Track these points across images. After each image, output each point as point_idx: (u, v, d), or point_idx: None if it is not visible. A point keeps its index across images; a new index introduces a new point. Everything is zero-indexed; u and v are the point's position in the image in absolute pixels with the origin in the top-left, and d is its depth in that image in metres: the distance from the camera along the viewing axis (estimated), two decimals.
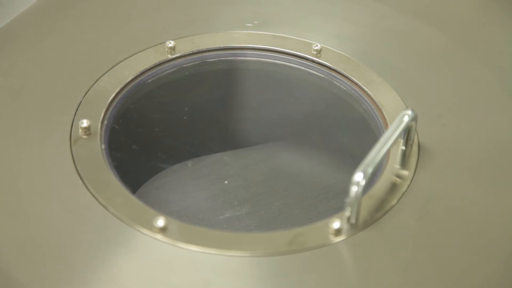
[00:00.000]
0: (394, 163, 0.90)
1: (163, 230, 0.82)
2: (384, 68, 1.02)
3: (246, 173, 1.08)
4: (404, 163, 0.90)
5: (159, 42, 1.04)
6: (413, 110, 0.88)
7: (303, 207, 1.06)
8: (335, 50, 1.05)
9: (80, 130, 0.92)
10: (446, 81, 1.02)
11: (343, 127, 1.09)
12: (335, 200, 1.09)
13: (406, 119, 0.88)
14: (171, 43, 1.03)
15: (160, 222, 0.82)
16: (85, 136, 0.92)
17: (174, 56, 1.03)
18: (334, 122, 1.09)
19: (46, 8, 1.11)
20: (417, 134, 0.92)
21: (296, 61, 1.05)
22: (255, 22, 1.09)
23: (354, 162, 0.84)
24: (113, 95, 0.97)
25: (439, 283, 0.80)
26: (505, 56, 1.06)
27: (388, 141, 0.85)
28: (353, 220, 0.83)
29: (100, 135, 0.92)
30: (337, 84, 1.03)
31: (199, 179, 1.06)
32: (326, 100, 1.06)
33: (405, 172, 0.90)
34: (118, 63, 1.01)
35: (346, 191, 0.83)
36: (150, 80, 1.02)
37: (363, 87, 1.00)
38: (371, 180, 0.86)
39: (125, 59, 1.02)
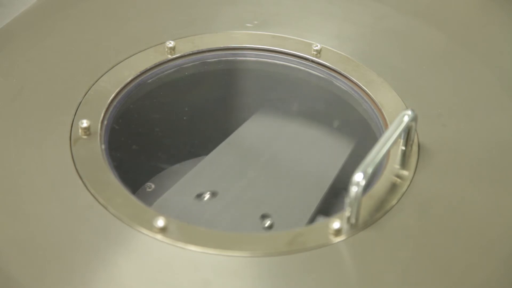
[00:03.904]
0: (394, 163, 0.90)
1: (163, 230, 0.82)
2: (384, 68, 1.02)
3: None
4: (404, 163, 0.90)
5: (159, 42, 1.04)
6: (413, 110, 0.88)
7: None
8: (335, 50, 1.05)
9: (80, 130, 0.92)
10: (446, 81, 1.02)
11: (343, 127, 1.09)
12: (335, 200, 1.09)
13: (406, 119, 0.88)
14: (171, 43, 1.03)
15: (160, 222, 0.82)
16: (85, 136, 0.92)
17: (174, 56, 1.04)
18: (334, 122, 1.09)
19: (46, 8, 1.11)
20: (417, 134, 0.92)
21: (296, 61, 1.06)
22: (255, 22, 1.09)
23: (354, 162, 0.84)
24: (113, 95, 0.97)
25: (439, 283, 0.80)
26: (505, 56, 1.06)
27: (388, 141, 0.85)
28: (353, 220, 0.83)
29: (100, 135, 0.92)
30: (337, 84, 1.03)
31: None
32: (326, 100, 1.06)
33: (405, 172, 0.90)
34: (118, 63, 1.01)
35: (346, 191, 0.84)
36: (150, 80, 1.02)
37: (363, 87, 1.00)
38: (371, 180, 0.86)
39: (125, 59, 1.02)
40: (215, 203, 1.01)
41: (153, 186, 1.12)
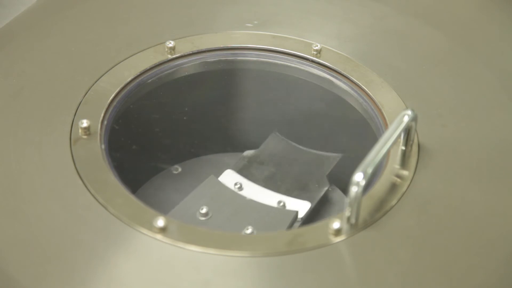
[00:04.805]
0: (394, 163, 0.90)
1: (163, 230, 0.82)
2: (384, 68, 1.02)
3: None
4: (404, 163, 0.90)
5: (159, 42, 1.04)
6: (413, 110, 0.88)
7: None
8: (335, 50, 1.05)
9: (80, 130, 0.92)
10: (446, 81, 1.02)
11: (343, 127, 1.09)
12: (334, 199, 1.10)
13: (406, 119, 0.88)
14: (171, 43, 1.03)
15: (160, 222, 0.82)
16: (85, 136, 0.92)
17: (174, 56, 1.04)
18: (334, 122, 1.09)
19: (46, 8, 1.11)
20: (417, 134, 0.92)
21: (296, 61, 1.05)
22: (255, 22, 1.09)
23: (354, 162, 0.84)
24: (113, 95, 0.97)
25: (439, 283, 0.80)
26: (505, 56, 1.06)
27: (388, 141, 0.85)
28: (353, 220, 0.83)
29: (100, 135, 0.92)
30: (337, 84, 1.03)
31: (199, 179, 1.06)
32: (326, 100, 1.06)
33: (405, 172, 0.90)
34: (118, 63, 1.01)
35: (346, 191, 0.84)
36: (150, 80, 1.02)
37: (363, 87, 1.00)
38: (371, 180, 0.86)
39: (125, 59, 1.02)
40: (218, 208, 1.01)
41: (180, 169, 1.13)
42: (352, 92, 1.02)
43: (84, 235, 0.82)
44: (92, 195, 0.86)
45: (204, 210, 0.99)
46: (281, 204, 1.04)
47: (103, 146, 0.91)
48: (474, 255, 0.82)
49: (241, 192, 1.04)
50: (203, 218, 0.99)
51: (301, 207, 1.03)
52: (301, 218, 1.02)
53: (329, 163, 1.09)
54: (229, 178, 1.06)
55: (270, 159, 1.10)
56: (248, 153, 1.10)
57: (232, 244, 0.82)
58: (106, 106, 0.96)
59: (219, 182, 1.04)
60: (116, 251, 0.81)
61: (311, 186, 1.07)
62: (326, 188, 1.07)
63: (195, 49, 1.05)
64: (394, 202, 0.86)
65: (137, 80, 1.01)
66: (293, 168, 1.09)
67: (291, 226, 0.99)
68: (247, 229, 0.98)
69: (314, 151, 1.11)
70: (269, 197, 1.05)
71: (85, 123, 0.92)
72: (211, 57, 1.06)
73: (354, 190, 0.81)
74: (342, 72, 1.03)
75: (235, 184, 1.05)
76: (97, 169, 0.89)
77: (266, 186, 1.06)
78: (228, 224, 0.99)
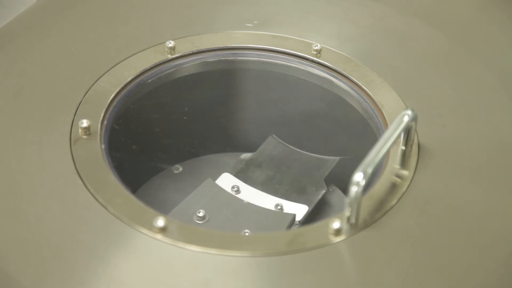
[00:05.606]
0: (394, 163, 0.90)
1: (163, 230, 0.82)
2: (384, 68, 1.02)
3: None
4: (404, 163, 0.90)
5: (159, 42, 1.04)
6: (413, 110, 0.88)
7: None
8: (335, 50, 1.05)
9: (80, 130, 0.92)
10: (446, 81, 1.02)
11: (343, 127, 1.09)
12: (333, 201, 1.10)
13: (406, 119, 0.88)
14: (171, 43, 1.03)
15: (160, 222, 0.82)
16: (85, 136, 0.92)
17: (174, 56, 1.04)
18: (334, 122, 1.09)
19: (46, 8, 1.11)
20: (417, 134, 0.92)
21: (296, 61, 1.06)
22: (255, 22, 1.09)
23: (354, 163, 0.84)
24: (113, 95, 0.97)
25: (439, 283, 0.80)
26: (505, 56, 1.06)
27: (388, 141, 0.85)
28: (353, 220, 0.83)
29: (100, 135, 0.92)
30: (337, 84, 1.03)
31: (199, 179, 1.06)
32: (326, 100, 1.06)
33: (405, 172, 0.90)
34: (118, 63, 1.01)
35: (346, 191, 0.83)
36: (150, 80, 1.02)
37: (363, 87, 1.00)
38: (371, 180, 0.86)
39: (125, 59, 1.02)
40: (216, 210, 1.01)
41: (180, 168, 1.13)
42: (352, 92, 1.02)
43: (84, 235, 0.82)
44: (92, 195, 0.86)
45: (201, 214, 0.99)
46: (279, 207, 1.04)
47: (103, 146, 0.91)
48: (474, 255, 0.82)
49: (239, 196, 1.04)
50: (200, 222, 0.99)
51: (299, 210, 1.03)
52: (299, 221, 1.02)
53: (327, 166, 1.09)
54: (226, 181, 1.06)
55: (267, 162, 1.10)
56: (245, 156, 1.10)
57: (232, 244, 0.82)
58: (106, 106, 0.96)
59: (216, 185, 1.04)
60: (116, 251, 0.81)
61: (308, 189, 1.07)
62: (323, 191, 1.07)
63: (195, 49, 1.05)
64: (394, 202, 0.86)
65: (137, 80, 1.01)
66: (290, 171, 1.09)
67: (289, 229, 0.99)
68: (245, 232, 0.98)
69: (312, 154, 1.11)
70: (266, 201, 1.04)
71: (85, 123, 0.92)
72: (211, 57, 1.06)
73: (354, 190, 0.81)
74: (342, 72, 1.03)
75: (232, 187, 1.05)
76: (97, 169, 0.89)
77: (264, 190, 1.06)
78: (225, 227, 0.98)
